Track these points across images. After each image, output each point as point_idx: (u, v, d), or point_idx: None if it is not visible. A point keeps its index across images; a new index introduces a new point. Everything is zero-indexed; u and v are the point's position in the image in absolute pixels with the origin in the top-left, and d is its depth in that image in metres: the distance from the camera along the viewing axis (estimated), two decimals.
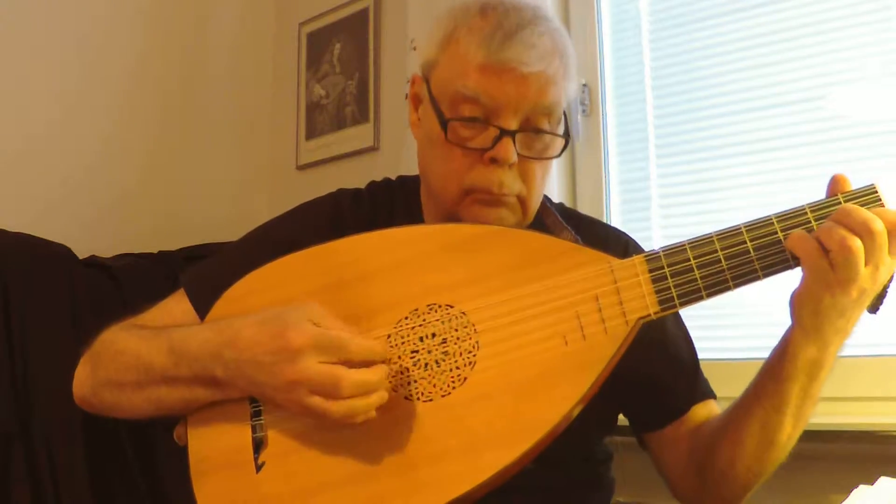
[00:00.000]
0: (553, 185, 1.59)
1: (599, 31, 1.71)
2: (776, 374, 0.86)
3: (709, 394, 1.03)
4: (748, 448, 0.89)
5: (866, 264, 0.77)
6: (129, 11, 2.00)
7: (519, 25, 0.93)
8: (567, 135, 0.98)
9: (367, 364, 0.80)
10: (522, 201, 0.96)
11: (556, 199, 1.24)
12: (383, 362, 0.82)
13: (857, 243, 0.75)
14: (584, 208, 1.66)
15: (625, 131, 1.68)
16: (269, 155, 2.28)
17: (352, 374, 0.79)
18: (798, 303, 0.82)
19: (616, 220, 1.65)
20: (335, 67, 2.15)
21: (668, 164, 1.61)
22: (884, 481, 0.73)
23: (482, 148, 0.93)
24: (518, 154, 0.93)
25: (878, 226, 0.76)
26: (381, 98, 2.02)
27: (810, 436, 0.90)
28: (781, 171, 1.45)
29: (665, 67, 1.63)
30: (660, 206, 1.61)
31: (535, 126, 0.94)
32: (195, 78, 2.14)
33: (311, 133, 2.17)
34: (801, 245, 0.79)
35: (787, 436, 0.88)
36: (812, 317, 0.81)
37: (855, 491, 0.72)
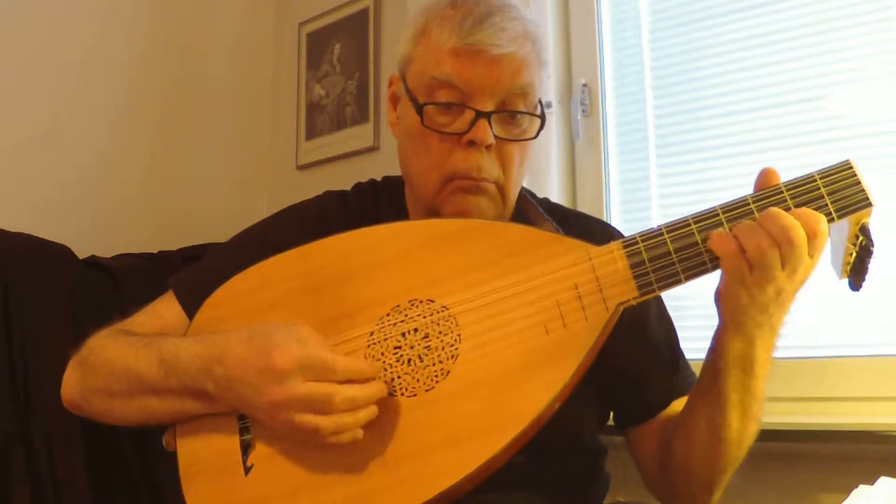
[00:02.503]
0: (553, 185, 1.59)
1: (599, 31, 1.71)
2: (710, 370, 0.87)
3: (687, 390, 1.03)
4: (698, 443, 0.90)
5: (783, 268, 0.77)
6: (129, 11, 2.00)
7: (489, 12, 0.94)
8: (543, 116, 0.98)
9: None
10: (501, 189, 0.97)
11: (556, 200, 1.24)
12: (375, 379, 0.83)
13: (772, 251, 0.76)
14: (584, 208, 1.66)
15: (625, 131, 1.68)
16: (269, 155, 2.28)
17: (342, 390, 0.80)
18: (719, 299, 0.83)
19: (616, 220, 1.65)
20: (335, 67, 2.15)
21: (668, 164, 1.61)
22: (884, 481, 0.73)
23: (459, 132, 0.94)
24: (495, 136, 0.94)
25: (799, 234, 0.77)
26: (381, 98, 2.02)
27: (810, 436, 0.91)
28: (781, 171, 1.43)
29: (665, 67, 1.63)
30: (660, 206, 1.60)
31: (511, 108, 0.95)
32: (195, 78, 2.14)
33: (311, 133, 2.17)
34: (721, 244, 0.80)
35: (736, 432, 0.88)
36: (732, 313, 0.82)
37: (855, 491, 0.72)
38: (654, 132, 1.63)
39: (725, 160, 1.52)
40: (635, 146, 1.66)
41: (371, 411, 0.81)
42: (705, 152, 1.55)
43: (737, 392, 0.86)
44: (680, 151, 1.59)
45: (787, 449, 0.90)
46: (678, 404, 1.01)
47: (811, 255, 0.78)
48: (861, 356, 1.29)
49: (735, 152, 1.51)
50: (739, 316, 0.82)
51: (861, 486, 0.73)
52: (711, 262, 0.81)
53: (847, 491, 0.72)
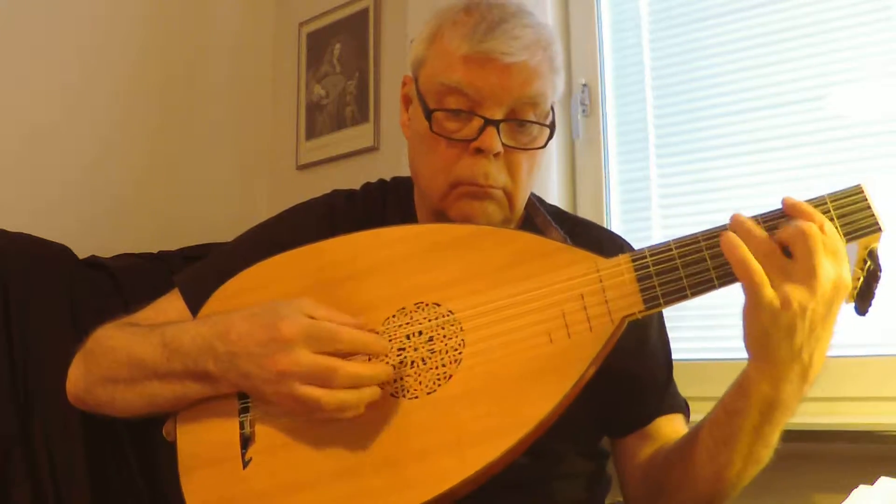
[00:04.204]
0: (553, 185, 1.59)
1: (599, 31, 1.71)
2: (729, 407, 0.84)
3: (676, 408, 1.03)
4: (695, 476, 0.89)
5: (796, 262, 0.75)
6: (128, 11, 2.00)
7: (502, 18, 0.94)
8: (552, 126, 0.98)
9: (358, 354, 0.81)
10: (509, 195, 0.97)
11: (556, 200, 1.24)
12: (383, 357, 0.83)
13: (775, 248, 0.75)
14: (584, 208, 1.66)
15: (625, 131, 1.68)
16: (269, 155, 2.28)
17: (346, 365, 0.79)
18: (744, 326, 0.79)
19: (616, 220, 1.65)
20: (335, 67, 2.15)
21: (668, 164, 1.61)
22: (884, 481, 0.73)
23: (467, 139, 0.94)
24: (503, 145, 0.94)
25: (811, 228, 0.75)
26: (381, 98, 2.02)
27: (811, 436, 0.90)
28: (781, 171, 1.44)
29: (665, 67, 1.63)
30: (660, 206, 1.60)
31: (521, 117, 0.95)
32: (195, 78, 2.14)
33: (311, 133, 2.17)
34: (728, 248, 0.77)
35: (736, 473, 0.86)
36: (757, 340, 0.78)
37: (855, 491, 0.72)
38: (654, 132, 1.63)
39: (725, 160, 1.52)
40: (635, 146, 1.65)
41: (374, 392, 0.81)
42: (705, 152, 1.55)
43: (749, 437, 0.83)
44: (680, 151, 1.59)
45: (787, 449, 0.90)
46: (664, 422, 1.01)
47: (830, 256, 0.74)
48: (861, 356, 1.29)
49: (735, 152, 1.51)
50: (765, 341, 0.77)
51: (861, 486, 0.73)
52: (718, 280, 0.81)
53: (847, 491, 0.72)
